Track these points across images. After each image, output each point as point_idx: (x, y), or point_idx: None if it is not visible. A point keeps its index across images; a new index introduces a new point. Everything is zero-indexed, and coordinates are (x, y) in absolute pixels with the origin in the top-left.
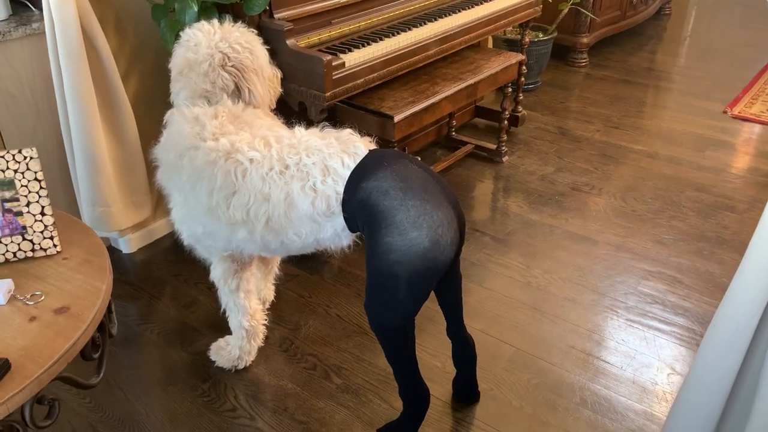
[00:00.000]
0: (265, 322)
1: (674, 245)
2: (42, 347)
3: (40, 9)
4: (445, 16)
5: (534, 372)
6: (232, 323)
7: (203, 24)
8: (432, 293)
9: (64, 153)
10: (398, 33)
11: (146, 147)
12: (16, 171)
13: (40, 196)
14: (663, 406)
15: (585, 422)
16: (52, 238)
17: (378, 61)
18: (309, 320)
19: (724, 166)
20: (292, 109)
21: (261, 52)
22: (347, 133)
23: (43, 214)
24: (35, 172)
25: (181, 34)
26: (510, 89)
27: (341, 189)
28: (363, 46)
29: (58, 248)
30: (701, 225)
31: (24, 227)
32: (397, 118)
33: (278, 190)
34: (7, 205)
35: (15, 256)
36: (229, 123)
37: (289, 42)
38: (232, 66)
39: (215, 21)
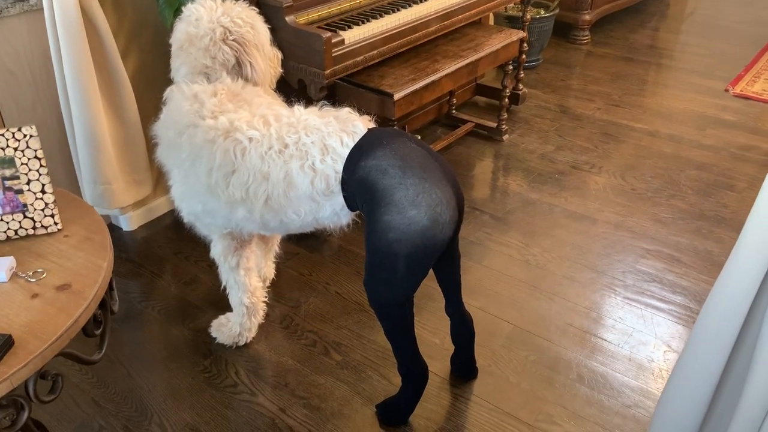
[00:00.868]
0: (266, 300)
1: (673, 224)
2: (44, 324)
3: None
4: None
5: (531, 349)
6: (233, 300)
7: (205, 0)
8: (431, 271)
9: (64, 130)
10: (399, 9)
11: (146, 124)
12: (16, 149)
13: (40, 174)
14: (659, 383)
15: (581, 398)
16: (53, 215)
17: (378, 38)
18: (309, 298)
19: (724, 144)
20: (291, 87)
21: (262, 28)
22: (346, 112)
23: (43, 192)
24: (35, 150)
25: (182, 9)
26: (511, 67)
27: (340, 168)
28: (363, 22)
29: (59, 226)
30: (700, 204)
31: (25, 205)
32: (397, 96)
33: (277, 169)
34: (8, 183)
35: (16, 233)
36: (228, 101)
37: (288, 19)
38: (233, 40)
39: None
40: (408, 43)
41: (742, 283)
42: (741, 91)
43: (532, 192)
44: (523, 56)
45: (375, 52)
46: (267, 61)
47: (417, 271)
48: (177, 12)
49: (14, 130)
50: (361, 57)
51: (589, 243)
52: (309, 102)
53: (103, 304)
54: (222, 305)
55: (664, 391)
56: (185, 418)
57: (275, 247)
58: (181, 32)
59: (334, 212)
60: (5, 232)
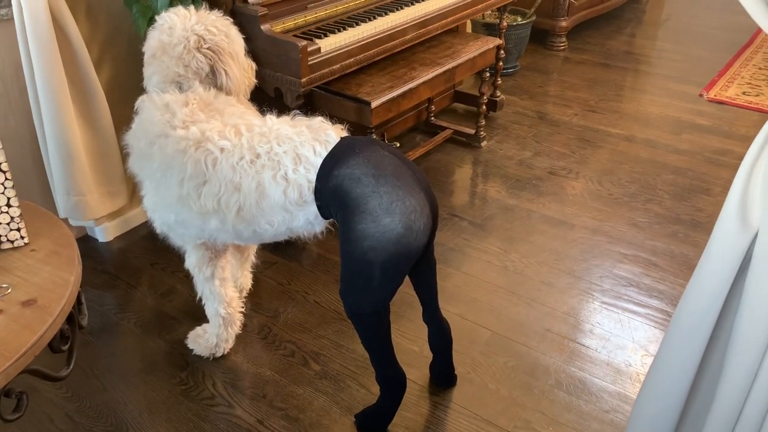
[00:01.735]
0: (242, 310)
1: (650, 228)
2: (8, 340)
3: None
4: (421, 1)
5: (510, 355)
6: (209, 311)
7: (179, 8)
8: (408, 279)
9: (36, 141)
10: (375, 17)
11: (120, 135)
12: None
13: (5, 188)
14: (636, 387)
15: (560, 404)
16: (19, 229)
17: (355, 46)
18: (287, 307)
19: (699, 149)
20: (267, 96)
21: (237, 37)
22: (318, 121)
23: (9, 205)
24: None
25: (156, 18)
26: (488, 74)
27: (313, 177)
28: (339, 31)
29: (26, 240)
30: (676, 208)
31: None
32: (374, 104)
33: (249, 180)
34: None
35: None
36: (200, 110)
37: (264, 27)
38: (207, 48)
39: (191, 6)
40: (385, 51)
41: (712, 286)
42: (715, 95)
43: (510, 198)
44: (501, 63)
45: (351, 60)
46: (242, 70)
47: (392, 279)
48: (151, 21)
49: None
50: (338, 65)
51: (566, 248)
52: (283, 111)
53: (71, 319)
54: (199, 316)
55: (639, 394)
56: (161, 431)
57: (252, 257)
58: (154, 40)
59: (307, 221)
60: None
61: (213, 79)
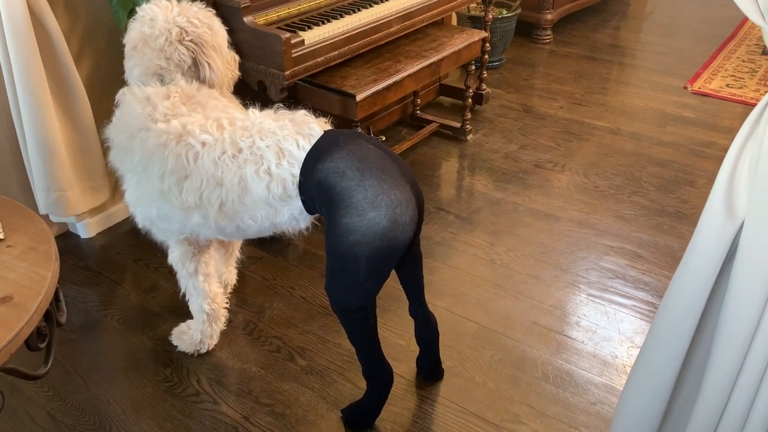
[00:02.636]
0: (227, 306)
1: (635, 220)
2: None
3: None
4: None
5: (497, 348)
6: (193, 307)
7: (160, 0)
8: (394, 273)
9: (15, 136)
10: (360, 10)
11: (102, 129)
12: None
13: None
14: (623, 379)
15: (547, 397)
16: None
17: (339, 38)
18: (273, 303)
19: (684, 141)
20: (250, 89)
21: (220, 29)
22: (301, 115)
23: None
24: None
25: (136, 10)
26: (474, 67)
27: (297, 172)
28: (323, 23)
29: (1, 235)
30: (662, 200)
31: None
32: (359, 97)
33: (231, 175)
34: None
35: None
36: (181, 104)
37: (247, 19)
38: (190, 41)
39: None
40: (369, 43)
41: (698, 277)
42: (699, 88)
43: (496, 191)
44: (486, 56)
45: (336, 52)
46: (225, 63)
47: (378, 274)
48: (131, 13)
49: None
50: (322, 57)
51: (553, 241)
52: (266, 104)
53: (48, 316)
54: (183, 312)
55: (625, 386)
56: (146, 429)
57: (236, 252)
58: (135, 32)
59: (292, 216)
60: None
61: (195, 71)
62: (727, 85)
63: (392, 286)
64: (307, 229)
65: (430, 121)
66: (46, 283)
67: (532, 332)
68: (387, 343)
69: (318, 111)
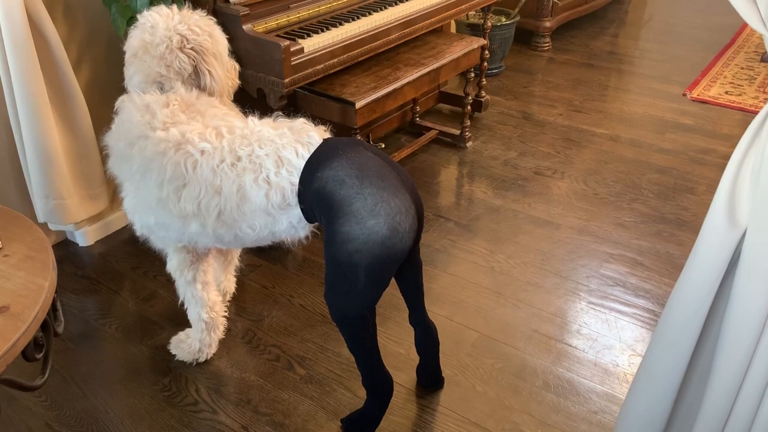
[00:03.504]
0: (226, 314)
1: (635, 228)
2: None
3: None
4: (405, 1)
5: (497, 357)
6: (191, 315)
7: (161, 7)
8: (395, 281)
9: (14, 144)
10: (359, 17)
11: (100, 136)
12: None
13: None
14: (624, 387)
15: (548, 405)
16: None
17: (338, 46)
18: (272, 311)
19: (683, 148)
20: (249, 97)
21: (221, 38)
22: (301, 123)
23: None
24: None
25: (136, 17)
26: (473, 74)
27: (296, 180)
28: (322, 30)
29: None
30: (661, 207)
31: None
32: (358, 105)
33: (230, 183)
34: None
35: None
36: (180, 112)
37: (246, 27)
38: (191, 48)
39: (173, 6)
40: (369, 51)
41: (701, 285)
42: (698, 95)
43: (496, 198)
44: (485, 63)
45: (335, 60)
46: (225, 71)
47: (378, 282)
48: (130, 21)
49: None
50: (321, 65)
51: (553, 248)
52: (266, 112)
53: (46, 326)
54: (182, 321)
55: (627, 394)
56: None
57: (235, 260)
58: (135, 39)
59: (291, 225)
60: None
61: (196, 79)
62: (726, 92)
63: (392, 294)
64: (307, 238)
65: (430, 129)
66: (43, 292)
67: (533, 340)
68: (387, 352)
69: (317, 119)
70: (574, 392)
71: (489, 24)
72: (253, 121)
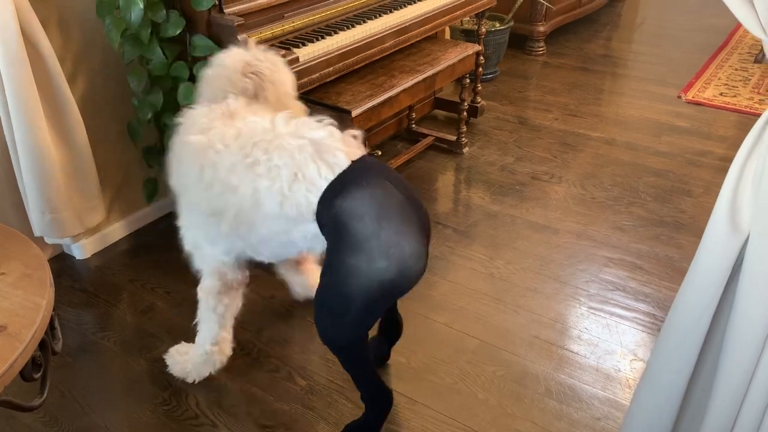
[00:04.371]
0: (228, 354)
1: (634, 231)
2: None
3: None
4: (401, 7)
5: (498, 364)
6: (198, 339)
7: (232, 48)
8: None
9: (9, 158)
10: (353, 26)
11: (96, 149)
12: None
13: None
14: (627, 393)
15: (550, 413)
16: None
17: (333, 54)
18: (272, 322)
19: (680, 150)
20: None
21: (285, 72)
22: (328, 135)
23: None
24: None
25: (127, 29)
26: (468, 80)
27: (315, 199)
28: (317, 39)
29: None
30: (659, 210)
31: None
32: (354, 113)
33: (246, 184)
34: None
35: None
36: (219, 118)
37: (241, 37)
38: (252, 72)
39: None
40: (364, 59)
41: (704, 291)
42: (693, 97)
43: (493, 204)
44: (480, 69)
45: (331, 69)
46: (280, 96)
47: (372, 315)
48: (124, 33)
49: None
50: (317, 74)
51: (551, 253)
52: None
53: (43, 345)
54: (180, 333)
55: (632, 401)
56: None
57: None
58: (207, 75)
59: (304, 238)
60: None
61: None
62: (721, 94)
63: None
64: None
65: (426, 135)
66: (40, 311)
67: (533, 347)
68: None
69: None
70: (577, 398)
71: (483, 30)
72: (281, 124)
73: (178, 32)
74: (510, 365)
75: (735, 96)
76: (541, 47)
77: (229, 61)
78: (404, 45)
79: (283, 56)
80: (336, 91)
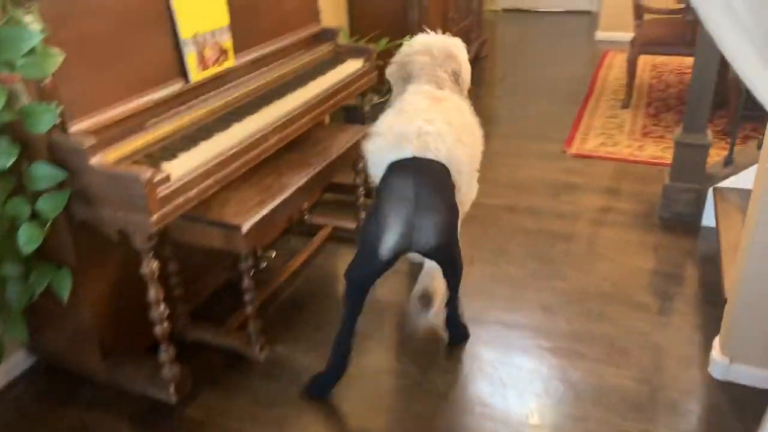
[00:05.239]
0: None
1: (562, 310)
2: None
3: None
4: (280, 97)
5: None
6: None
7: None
8: None
9: None
10: (230, 125)
11: None
12: None
13: None
14: None
15: None
16: None
17: (212, 164)
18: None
19: (581, 209)
20: None
21: (464, 55)
22: (413, 122)
23: None
24: None
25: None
26: (362, 164)
27: (389, 160)
28: (190, 147)
29: None
30: (580, 280)
31: None
32: (245, 227)
33: None
34: None
35: None
36: (423, 99)
37: (94, 161)
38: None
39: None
40: (247, 162)
41: None
42: (577, 151)
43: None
44: None
45: (210, 181)
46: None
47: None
48: None
49: None
50: (194, 190)
51: (485, 353)
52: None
53: None
54: None
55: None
56: None
57: None
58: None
59: None
60: None
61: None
62: (602, 144)
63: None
64: None
65: (322, 225)
66: None
67: None
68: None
69: (195, 248)
70: None
71: (367, 108)
72: (417, 102)
73: (10, 163)
74: None
75: (615, 145)
76: None
77: (437, 52)
78: (290, 139)
79: (150, 178)
80: (218, 202)
